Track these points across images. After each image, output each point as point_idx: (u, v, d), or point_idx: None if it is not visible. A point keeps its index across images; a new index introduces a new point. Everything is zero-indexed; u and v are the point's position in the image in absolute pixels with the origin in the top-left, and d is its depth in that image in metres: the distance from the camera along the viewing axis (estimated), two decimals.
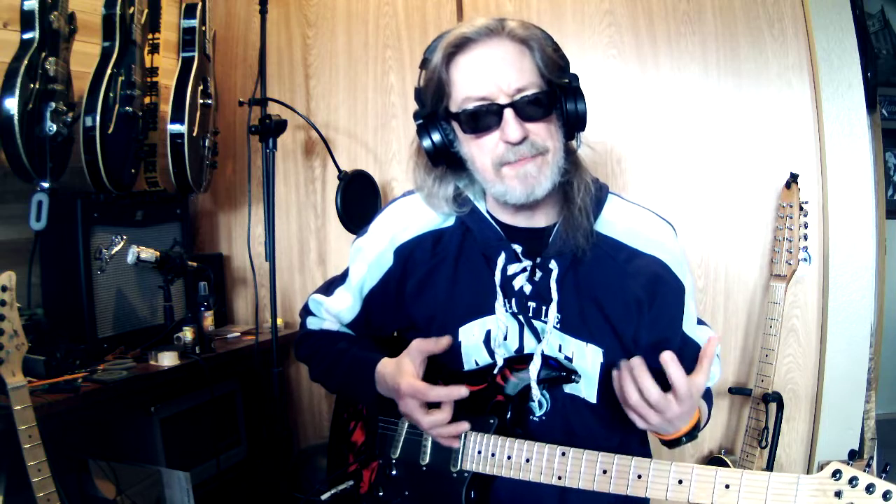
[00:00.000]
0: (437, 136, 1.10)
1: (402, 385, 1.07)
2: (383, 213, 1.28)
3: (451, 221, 1.20)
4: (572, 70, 1.11)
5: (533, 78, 1.04)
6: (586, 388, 1.14)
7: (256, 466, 2.35)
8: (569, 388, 1.14)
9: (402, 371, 1.10)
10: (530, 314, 1.14)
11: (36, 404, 1.38)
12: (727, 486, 0.89)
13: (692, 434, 1.07)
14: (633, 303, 1.14)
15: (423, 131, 1.11)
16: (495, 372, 1.13)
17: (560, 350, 1.13)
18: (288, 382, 2.52)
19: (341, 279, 1.31)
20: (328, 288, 1.33)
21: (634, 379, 1.00)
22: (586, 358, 1.13)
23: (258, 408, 2.36)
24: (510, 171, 1.06)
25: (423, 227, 1.21)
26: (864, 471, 0.80)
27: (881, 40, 3.85)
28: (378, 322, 1.29)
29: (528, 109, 1.03)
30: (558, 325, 1.12)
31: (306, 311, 1.36)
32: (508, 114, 1.02)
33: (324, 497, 1.23)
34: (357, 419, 1.30)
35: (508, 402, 1.11)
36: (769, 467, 1.95)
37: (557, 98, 1.07)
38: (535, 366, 1.10)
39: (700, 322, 1.27)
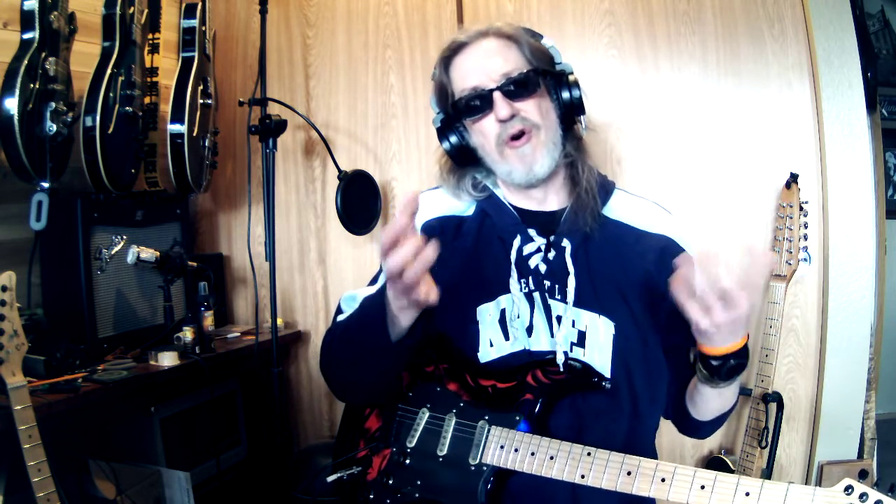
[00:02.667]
0: (454, 138, 1.23)
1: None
2: None
3: (471, 210, 1.28)
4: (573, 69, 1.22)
5: (518, 64, 1.17)
6: (600, 364, 1.16)
7: (256, 466, 2.35)
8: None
9: None
10: (545, 292, 1.18)
11: (36, 404, 1.38)
12: (747, 494, 0.92)
13: (741, 358, 1.02)
14: (643, 277, 1.20)
15: (442, 133, 1.24)
16: (526, 370, 1.15)
17: (573, 325, 1.16)
18: (288, 382, 2.52)
19: (373, 281, 1.33)
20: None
21: (705, 267, 0.94)
22: (599, 331, 1.16)
23: (258, 408, 2.36)
24: (511, 152, 1.17)
25: (446, 212, 1.29)
26: (874, 488, 0.85)
27: (881, 40, 3.85)
28: None
29: (513, 89, 1.15)
30: (573, 301, 1.17)
31: (337, 312, 1.33)
32: (497, 95, 1.15)
33: (329, 479, 1.23)
34: (373, 406, 1.30)
35: (536, 401, 1.12)
36: (769, 467, 1.95)
37: (547, 78, 1.18)
38: (559, 359, 1.13)
39: None
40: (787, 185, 1.99)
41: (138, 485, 1.87)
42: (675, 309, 1.20)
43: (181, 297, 2.20)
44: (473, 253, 1.24)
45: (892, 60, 3.85)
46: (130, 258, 1.88)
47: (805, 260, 1.97)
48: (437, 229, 1.26)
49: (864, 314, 2.06)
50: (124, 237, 1.99)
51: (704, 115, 2.13)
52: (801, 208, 1.97)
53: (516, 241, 1.21)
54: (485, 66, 1.16)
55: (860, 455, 2.10)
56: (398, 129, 2.41)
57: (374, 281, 1.33)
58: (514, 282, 1.19)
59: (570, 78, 1.20)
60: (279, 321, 2.29)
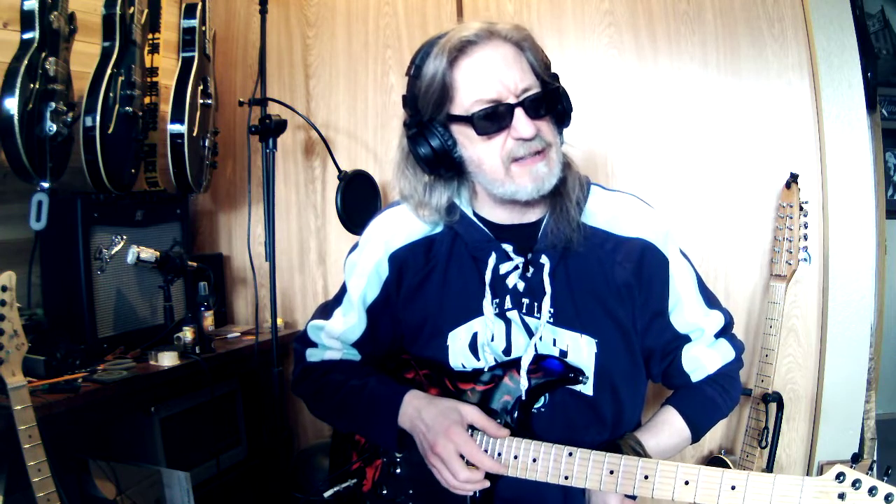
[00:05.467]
0: (435, 142, 1.10)
1: (469, 414, 1.09)
2: (372, 225, 1.27)
3: (440, 228, 1.21)
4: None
5: (532, 78, 1.08)
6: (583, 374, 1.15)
7: (256, 466, 2.35)
8: None
9: (464, 407, 1.10)
10: (524, 311, 1.15)
11: (36, 404, 1.38)
12: (733, 488, 0.90)
13: None
14: (623, 288, 1.16)
15: (419, 138, 1.11)
16: (503, 371, 1.14)
17: (555, 344, 1.14)
18: (288, 382, 2.52)
19: (336, 301, 1.30)
20: (324, 312, 1.31)
21: None
22: (581, 350, 1.14)
23: (258, 408, 2.36)
24: (520, 170, 1.08)
25: (414, 234, 1.21)
26: (867, 474, 0.81)
27: (881, 40, 3.85)
28: (385, 335, 1.28)
29: (534, 107, 1.07)
30: (551, 320, 1.13)
31: (304, 342, 1.33)
32: (519, 112, 1.05)
33: (326, 494, 1.23)
34: None
35: (515, 403, 1.11)
36: (769, 467, 1.95)
37: (556, 97, 1.11)
38: (525, 360, 1.11)
39: (713, 306, 1.24)
40: (787, 185, 1.99)
41: (138, 485, 1.87)
42: (653, 316, 1.19)
43: (181, 297, 2.20)
44: (444, 276, 1.18)
45: (892, 60, 3.85)
46: (130, 258, 1.88)
47: (805, 260, 1.96)
48: (409, 259, 1.21)
49: (864, 314, 2.06)
50: (124, 237, 1.99)
51: (704, 114, 2.13)
52: (801, 208, 1.97)
53: (491, 260, 1.15)
54: (504, 77, 1.05)
55: (861, 456, 2.10)
56: (398, 129, 2.38)
57: (339, 300, 1.29)
58: (487, 304, 1.14)
59: (563, 89, 1.13)
60: (279, 321, 2.28)
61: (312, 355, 1.31)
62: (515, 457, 1.07)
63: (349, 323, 1.27)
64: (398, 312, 1.23)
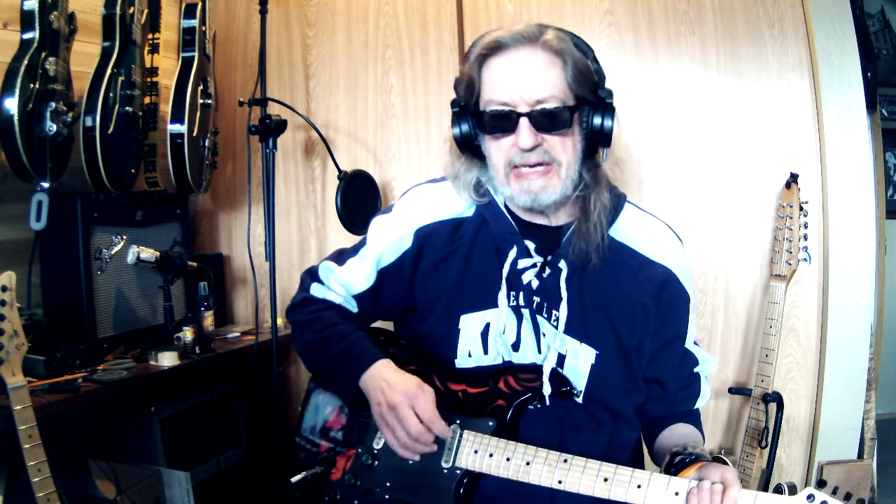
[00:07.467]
0: (465, 127, 1.16)
1: (426, 390, 1.12)
2: (408, 194, 1.30)
3: (471, 212, 1.23)
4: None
5: (557, 91, 1.08)
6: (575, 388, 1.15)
7: (256, 466, 2.35)
8: None
9: (424, 384, 1.13)
10: (534, 308, 1.16)
11: (36, 404, 1.38)
12: None
13: None
14: (639, 310, 1.16)
15: (455, 119, 1.17)
16: (498, 376, 1.15)
17: (557, 347, 1.15)
18: (288, 382, 2.52)
19: (354, 251, 1.31)
20: (339, 257, 1.32)
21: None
22: (578, 357, 1.14)
23: (258, 408, 2.36)
24: (516, 180, 1.11)
25: (445, 214, 1.24)
26: (832, 495, 0.92)
27: (881, 40, 3.85)
28: (386, 301, 1.28)
29: (543, 121, 1.08)
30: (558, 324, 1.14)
31: (312, 276, 1.35)
32: (523, 122, 1.07)
33: (293, 480, 1.22)
34: (334, 405, 1.31)
35: (509, 407, 1.12)
36: (769, 467, 1.95)
37: (582, 113, 1.11)
38: (547, 367, 1.13)
39: (695, 343, 1.28)
40: (787, 185, 1.99)
41: (138, 485, 1.87)
42: (666, 344, 1.20)
43: (181, 297, 2.19)
44: (467, 259, 1.20)
45: (892, 60, 3.85)
46: (130, 258, 1.88)
47: (805, 260, 1.97)
48: (434, 235, 1.22)
49: (864, 314, 2.06)
50: (124, 237, 1.99)
51: (704, 114, 2.13)
52: (801, 208, 1.97)
53: (512, 253, 1.17)
54: (520, 85, 1.07)
55: (860, 455, 2.10)
56: (398, 129, 2.41)
57: (356, 251, 1.30)
58: (502, 296, 1.16)
59: (607, 107, 1.12)
60: (279, 321, 2.28)
61: (316, 290, 1.34)
62: (508, 459, 1.07)
63: (359, 275, 1.28)
64: (413, 286, 1.24)
